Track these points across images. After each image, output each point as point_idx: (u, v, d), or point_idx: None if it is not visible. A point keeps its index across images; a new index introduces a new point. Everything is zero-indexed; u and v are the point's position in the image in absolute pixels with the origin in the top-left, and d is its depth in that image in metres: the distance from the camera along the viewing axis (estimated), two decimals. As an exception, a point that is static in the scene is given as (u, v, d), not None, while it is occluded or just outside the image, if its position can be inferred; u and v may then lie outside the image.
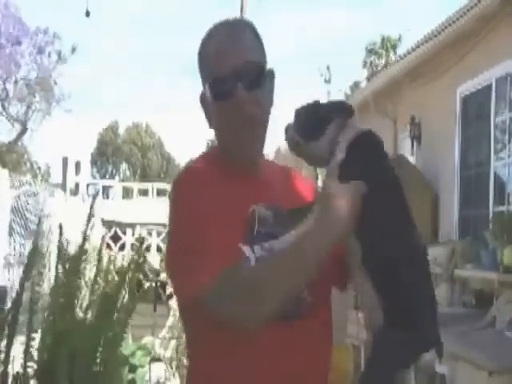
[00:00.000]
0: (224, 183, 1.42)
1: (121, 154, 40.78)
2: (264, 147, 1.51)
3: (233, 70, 1.40)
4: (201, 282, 1.31)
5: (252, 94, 1.41)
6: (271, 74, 1.51)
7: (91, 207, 3.18)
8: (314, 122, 1.35)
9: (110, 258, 3.96)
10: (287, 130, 1.40)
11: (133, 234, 13.59)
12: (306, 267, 1.27)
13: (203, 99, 1.49)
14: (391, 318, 1.29)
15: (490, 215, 5.93)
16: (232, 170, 1.46)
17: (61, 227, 3.05)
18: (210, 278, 1.30)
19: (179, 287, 1.43)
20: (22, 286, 2.91)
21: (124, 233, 13.73)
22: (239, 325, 1.31)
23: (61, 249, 3.03)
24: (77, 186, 18.55)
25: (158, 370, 5.72)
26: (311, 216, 1.29)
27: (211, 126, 1.49)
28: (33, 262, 2.94)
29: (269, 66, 1.49)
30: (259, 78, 1.43)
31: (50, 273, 3.37)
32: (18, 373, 2.88)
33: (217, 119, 1.47)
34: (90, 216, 3.10)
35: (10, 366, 2.90)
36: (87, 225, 3.06)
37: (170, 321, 6.48)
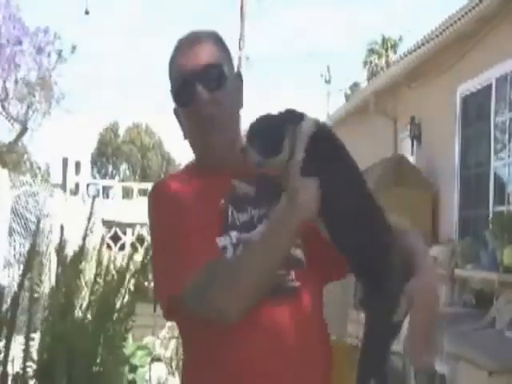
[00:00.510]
0: (198, 185, 1.48)
1: (121, 154, 40.78)
2: (237, 146, 1.50)
3: (191, 73, 1.46)
4: (177, 281, 1.37)
5: (213, 94, 1.46)
6: (238, 76, 1.57)
7: (91, 209, 3.18)
8: (269, 137, 1.38)
9: (109, 258, 3.96)
10: (246, 150, 1.41)
11: (133, 234, 13.58)
12: (275, 256, 1.36)
13: (176, 112, 1.55)
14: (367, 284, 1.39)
15: (490, 215, 5.93)
16: (208, 173, 1.50)
17: (62, 228, 3.05)
18: (186, 277, 1.35)
19: (158, 289, 1.46)
20: (20, 285, 2.91)
21: (124, 233, 13.73)
22: (219, 316, 1.35)
23: (61, 249, 3.03)
24: (77, 186, 18.52)
25: (159, 369, 5.72)
26: (277, 208, 1.38)
27: (185, 136, 1.55)
28: (31, 263, 2.94)
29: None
30: (219, 80, 1.48)
31: (50, 273, 3.37)
32: (17, 373, 2.87)
33: (185, 125, 1.53)
34: (90, 218, 3.10)
35: (9, 367, 2.90)
36: (87, 226, 3.06)
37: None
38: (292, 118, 1.39)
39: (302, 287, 1.44)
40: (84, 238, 3.07)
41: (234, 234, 1.43)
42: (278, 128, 1.38)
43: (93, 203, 3.27)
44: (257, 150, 1.38)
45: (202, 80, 1.46)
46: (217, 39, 1.55)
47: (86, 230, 3.07)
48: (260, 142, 1.38)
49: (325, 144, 1.39)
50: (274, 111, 1.43)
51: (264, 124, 1.40)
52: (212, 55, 1.50)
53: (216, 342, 1.39)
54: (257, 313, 1.37)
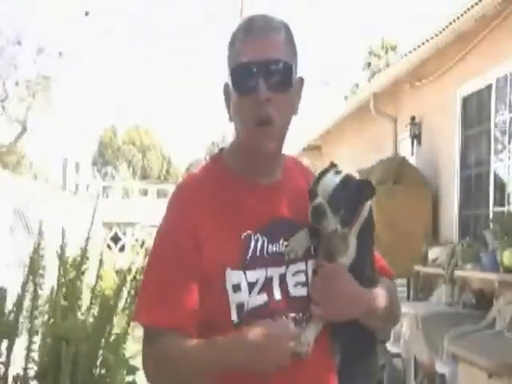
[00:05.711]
0: (225, 203, 1.40)
1: (121, 154, 40.76)
2: (280, 152, 1.47)
3: (259, 64, 1.35)
4: (160, 317, 1.35)
5: (275, 95, 1.36)
6: (301, 81, 1.47)
7: (94, 211, 3.16)
8: (349, 207, 1.40)
9: (110, 259, 3.95)
10: (315, 194, 1.39)
11: (133, 235, 13.58)
12: (220, 368, 1.33)
13: (226, 90, 1.45)
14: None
15: (490, 215, 5.92)
16: (236, 177, 1.44)
17: (63, 230, 3.05)
18: (170, 314, 1.33)
19: (139, 314, 1.42)
20: (24, 288, 2.91)
21: (124, 233, 13.73)
22: (144, 370, 1.41)
23: (62, 251, 3.03)
24: (77, 186, 18.53)
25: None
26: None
27: (230, 118, 1.45)
28: (35, 266, 2.94)
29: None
30: (285, 81, 1.38)
31: (51, 275, 3.37)
32: (17, 374, 2.87)
33: (235, 110, 1.42)
34: (93, 221, 3.09)
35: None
36: (90, 229, 3.06)
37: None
38: (366, 194, 1.42)
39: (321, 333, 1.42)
40: (87, 240, 3.06)
41: (249, 272, 1.36)
42: (356, 200, 1.41)
43: (96, 206, 3.26)
44: (340, 218, 1.38)
45: (267, 74, 1.35)
46: (289, 33, 1.43)
47: (89, 232, 3.07)
48: (343, 211, 1.38)
49: (368, 229, 1.47)
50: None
51: (346, 192, 1.39)
52: (284, 51, 1.39)
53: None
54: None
